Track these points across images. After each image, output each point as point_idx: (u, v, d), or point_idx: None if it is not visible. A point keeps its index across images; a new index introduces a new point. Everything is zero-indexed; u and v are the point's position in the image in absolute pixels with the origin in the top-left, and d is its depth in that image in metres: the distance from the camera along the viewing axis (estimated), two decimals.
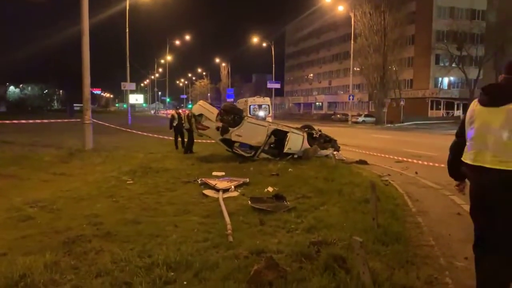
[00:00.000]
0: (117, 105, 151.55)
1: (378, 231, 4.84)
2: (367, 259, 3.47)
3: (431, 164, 11.50)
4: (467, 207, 6.60)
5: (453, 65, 52.28)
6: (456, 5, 55.17)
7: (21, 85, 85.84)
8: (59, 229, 5.13)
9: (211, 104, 13.49)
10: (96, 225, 5.31)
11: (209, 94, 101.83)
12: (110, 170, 10.09)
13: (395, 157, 13.13)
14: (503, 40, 46.07)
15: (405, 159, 12.69)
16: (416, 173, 10.27)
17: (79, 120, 16.54)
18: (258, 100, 31.42)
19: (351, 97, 47.53)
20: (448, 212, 6.52)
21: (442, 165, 11.26)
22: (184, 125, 14.50)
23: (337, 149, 12.92)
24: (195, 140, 14.46)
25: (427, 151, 15.60)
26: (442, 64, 55.18)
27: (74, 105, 69.14)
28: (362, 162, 12.07)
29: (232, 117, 12.35)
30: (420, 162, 11.95)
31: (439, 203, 7.25)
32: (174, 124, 15.42)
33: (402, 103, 45.92)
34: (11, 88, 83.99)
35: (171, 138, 17.13)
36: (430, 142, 20.33)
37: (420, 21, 55.98)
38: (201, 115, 12.14)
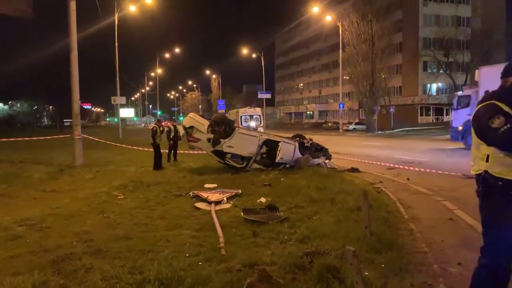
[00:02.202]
0: (108, 119, 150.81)
1: (371, 239, 4.82)
2: (361, 268, 3.44)
3: (422, 170, 11.58)
4: (459, 212, 6.67)
5: (441, 71, 53.04)
6: (442, 13, 56.16)
7: (10, 102, 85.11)
8: (48, 247, 5.04)
9: (202, 116, 13.48)
10: (86, 242, 5.23)
11: (200, 106, 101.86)
12: (101, 185, 9.99)
13: (387, 164, 13.19)
14: (488, 45, 46.90)
15: (396, 165, 12.76)
16: (408, 179, 10.30)
17: (68, 135, 16.40)
18: (249, 110, 31.48)
19: (341, 106, 47.89)
20: (440, 218, 6.54)
21: (433, 171, 11.37)
22: (157, 139, 13.89)
23: (328, 157, 12.94)
24: (184, 152, 14.22)
25: (418, 157, 15.71)
26: (430, 71, 55.91)
27: (64, 120, 68.71)
28: (354, 170, 12.10)
29: (223, 128, 12.34)
30: (411, 168, 12.02)
31: (431, 209, 7.27)
32: (171, 136, 15.27)
33: (392, 110, 46.30)
34: (0, 105, 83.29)
35: (162, 151, 17.03)
36: (420, 148, 20.47)
37: (407, 29, 56.84)
38: (192, 127, 12.12)
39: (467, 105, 19.74)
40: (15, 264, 4.49)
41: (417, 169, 11.80)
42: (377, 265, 4.17)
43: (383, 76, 47.49)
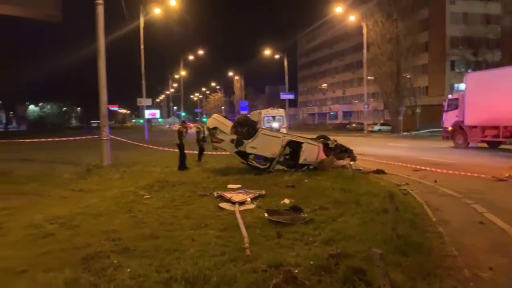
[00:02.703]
0: (133, 120, 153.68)
1: (398, 242, 4.75)
2: (388, 271, 3.39)
3: (450, 172, 11.30)
4: (489, 216, 6.48)
5: (469, 70, 51.59)
6: (470, 11, 54.64)
7: (40, 104, 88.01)
8: (78, 245, 5.19)
9: (225, 117, 13.56)
10: (114, 240, 5.34)
11: (223, 107, 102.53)
12: (128, 185, 10.18)
13: (413, 166, 12.93)
14: None
15: (423, 167, 12.49)
16: (435, 181, 10.07)
17: (96, 136, 16.79)
18: (272, 111, 31.44)
19: (366, 106, 47.17)
20: (470, 221, 6.37)
21: (462, 173, 11.07)
22: (182, 140, 14.03)
23: (353, 159, 12.79)
24: (207, 153, 14.26)
25: (446, 159, 15.34)
26: (457, 70, 54.42)
27: (92, 121, 70.41)
28: (379, 171, 11.91)
29: (246, 129, 12.37)
30: (438, 170, 11.75)
31: (460, 212, 7.09)
32: (201, 137, 15.42)
33: (417, 110, 45.34)
34: (31, 107, 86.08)
35: (187, 152, 17.25)
36: (447, 149, 19.97)
37: (433, 27, 55.58)
38: (215, 128, 12.20)
39: (456, 107, 21.38)
40: (47, 261, 4.63)
41: (444, 171, 11.52)
42: (405, 268, 4.10)
43: (408, 76, 46.58)
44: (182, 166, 13.49)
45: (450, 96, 23.70)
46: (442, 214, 6.82)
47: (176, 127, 17.52)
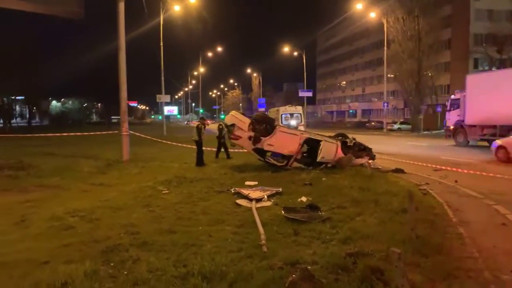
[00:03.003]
0: (152, 116, 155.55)
1: (417, 242, 4.68)
2: (406, 271, 3.35)
3: (471, 172, 11.07)
4: None
5: (493, 68, 50.29)
6: (495, 7, 53.19)
7: (62, 100, 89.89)
8: (98, 238, 5.28)
9: (243, 114, 13.58)
10: (133, 234, 5.42)
11: (240, 104, 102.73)
12: (146, 180, 10.32)
13: (433, 165, 12.71)
14: None
15: (443, 167, 12.27)
16: (456, 181, 9.88)
17: (116, 132, 17.06)
18: (290, 109, 31.37)
19: (385, 104, 46.52)
20: (492, 222, 6.22)
21: (484, 173, 10.83)
22: (193, 136, 14.29)
23: (372, 157, 12.64)
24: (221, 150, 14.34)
25: (467, 159, 15.02)
26: (481, 68, 53.15)
27: (112, 117, 71.54)
28: (399, 170, 11.74)
29: (264, 126, 12.36)
30: (459, 170, 11.52)
31: (481, 213, 6.94)
32: (222, 135, 15.52)
33: (439, 109, 44.50)
34: (54, 102, 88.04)
35: (204, 148, 17.38)
36: (469, 149, 19.55)
37: (457, 24, 54.34)
38: (233, 125, 12.23)
39: (458, 107, 22.65)
40: (68, 253, 4.74)
41: (465, 171, 11.29)
42: (423, 269, 4.04)
43: (430, 74, 45.69)
44: (200, 162, 13.58)
45: (452, 97, 24.48)
46: (462, 214, 6.69)
47: (195, 123, 17.65)
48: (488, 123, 19.75)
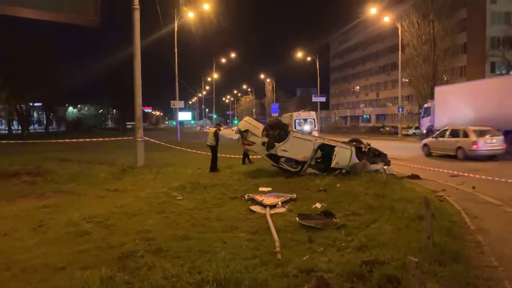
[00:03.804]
0: (166, 122, 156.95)
1: (434, 250, 4.60)
2: (424, 280, 3.29)
3: (489, 178, 10.85)
4: None
5: (511, 73, 49.41)
6: None
7: (78, 106, 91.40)
8: (113, 244, 5.33)
9: (256, 119, 13.58)
10: (148, 240, 5.46)
11: (254, 110, 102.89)
12: (161, 186, 10.39)
13: (450, 171, 12.51)
14: None
15: (460, 173, 12.06)
16: (474, 187, 9.69)
17: (131, 138, 17.24)
18: (303, 114, 31.27)
19: (400, 109, 46.06)
20: (511, 230, 6.08)
21: (503, 179, 10.60)
22: (208, 141, 14.28)
23: (387, 163, 12.48)
24: (236, 156, 14.28)
25: (484, 165, 14.74)
26: (498, 72, 52.24)
27: (127, 123, 72.37)
28: (415, 176, 11.59)
29: (277, 132, 12.35)
30: (477, 176, 11.30)
31: (501, 220, 6.79)
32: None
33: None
34: (70, 108, 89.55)
35: (218, 154, 17.44)
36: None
37: (472, 28, 53.60)
38: (247, 130, 12.25)
39: (429, 114, 26.24)
40: (84, 259, 4.79)
41: (483, 177, 11.07)
42: (441, 278, 3.97)
43: (445, 78, 45.11)
44: (214, 168, 13.63)
45: (425, 105, 28.74)
46: (481, 222, 6.56)
47: (208, 129, 17.75)
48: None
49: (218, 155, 14.30)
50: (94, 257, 4.86)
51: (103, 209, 7.61)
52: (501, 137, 16.84)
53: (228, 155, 15.79)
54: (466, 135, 16.93)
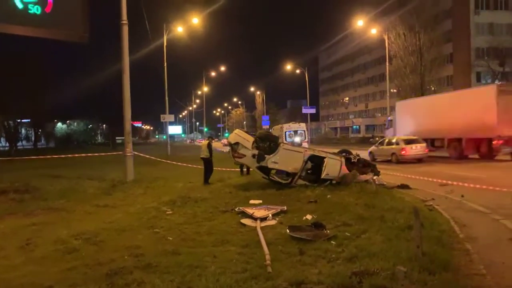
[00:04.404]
0: (157, 136, 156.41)
1: (424, 260, 4.62)
2: None
3: (478, 186, 10.96)
4: None
5: (496, 82, 50.36)
6: (496, 21, 53.64)
7: (67, 121, 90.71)
8: (102, 261, 5.26)
9: (246, 132, 13.62)
10: (137, 256, 5.40)
11: (244, 122, 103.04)
12: (151, 201, 10.32)
13: (439, 180, 12.61)
14: None
15: (449, 182, 12.16)
16: (462, 196, 9.78)
17: (121, 152, 17.14)
18: (294, 126, 31.44)
19: (389, 119, 46.56)
20: (499, 238, 6.14)
21: (491, 187, 10.71)
22: (202, 154, 14.34)
23: (377, 173, 12.57)
24: (230, 169, 14.46)
25: (473, 173, 14.90)
26: (483, 82, 53.23)
27: (117, 138, 71.93)
28: (404, 186, 11.67)
29: (267, 144, 12.38)
30: (466, 184, 11.41)
31: (489, 228, 6.85)
32: None
33: None
34: (59, 124, 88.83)
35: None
36: (475, 163, 19.41)
37: (458, 39, 54.71)
38: (237, 143, 12.26)
39: (391, 126, 29.30)
40: (72, 277, 4.72)
41: (472, 185, 11.18)
42: (431, 287, 3.98)
43: (432, 88, 45.78)
44: (207, 180, 13.77)
45: (388, 118, 31.66)
46: (469, 230, 6.61)
47: (200, 142, 17.82)
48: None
49: (216, 168, 14.38)
50: (82, 274, 4.79)
51: (92, 225, 7.52)
52: (423, 144, 21.15)
53: (219, 168, 15.75)
54: (397, 143, 21.16)
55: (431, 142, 24.33)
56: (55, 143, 78.19)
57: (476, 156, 21.69)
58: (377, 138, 57.85)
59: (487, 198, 9.48)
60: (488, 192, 10.34)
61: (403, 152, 20.34)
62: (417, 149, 20.75)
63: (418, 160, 20.53)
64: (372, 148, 23.45)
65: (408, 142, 21.03)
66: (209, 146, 14.33)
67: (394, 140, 21.83)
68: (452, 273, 4.39)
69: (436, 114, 24.10)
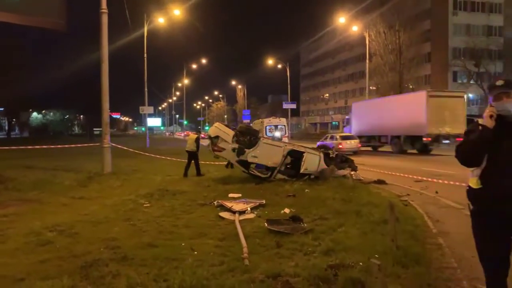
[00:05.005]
0: (135, 128, 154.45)
1: (398, 253, 4.72)
2: (387, 283, 3.38)
3: (451, 183, 11.25)
4: None
5: (471, 81, 51.67)
6: (472, 22, 54.93)
7: (43, 111, 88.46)
8: (77, 253, 5.17)
9: (227, 125, 13.60)
10: (113, 248, 5.33)
11: (225, 116, 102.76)
12: (128, 193, 10.18)
13: (414, 176, 12.90)
14: None
15: (424, 178, 12.46)
16: (436, 192, 10.04)
17: (98, 144, 16.84)
18: (274, 120, 31.55)
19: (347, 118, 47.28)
20: (470, 233, 6.25)
21: (463, 184, 10.98)
22: (188, 147, 14.64)
23: (354, 169, 12.77)
24: (209, 162, 14.54)
25: (447, 170, 15.28)
26: (460, 81, 54.56)
27: (94, 129, 70.69)
28: (381, 182, 11.89)
29: (248, 138, 12.39)
30: (440, 181, 11.71)
31: (461, 223, 7.02)
32: None
33: None
34: (34, 114, 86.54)
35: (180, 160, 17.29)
36: (449, 160, 19.87)
37: (436, 39, 55.81)
38: (217, 136, 12.23)
39: (348, 123, 33.08)
40: (45, 269, 4.61)
41: (446, 182, 11.48)
42: (404, 280, 4.08)
43: (411, 86, 46.68)
44: (198, 172, 14.08)
45: (346, 117, 35.67)
46: (442, 225, 6.79)
47: (188, 134, 17.81)
48: (361, 134, 29.05)
49: (180, 161, 14.46)
50: (56, 267, 4.69)
51: (67, 217, 7.38)
52: (357, 140, 25.95)
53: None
54: (336, 139, 25.40)
55: (378, 139, 28.91)
56: (30, 133, 76.21)
57: (414, 151, 25.23)
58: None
59: (460, 194, 9.65)
60: (461, 188, 10.54)
61: (340, 146, 23.78)
62: (351, 144, 25.08)
63: (354, 153, 23.77)
64: (319, 143, 26.20)
65: (344, 138, 25.84)
66: (197, 140, 14.51)
67: (335, 136, 26.31)
68: (425, 267, 4.50)
69: (382, 114, 27.98)
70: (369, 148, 29.86)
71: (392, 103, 28.83)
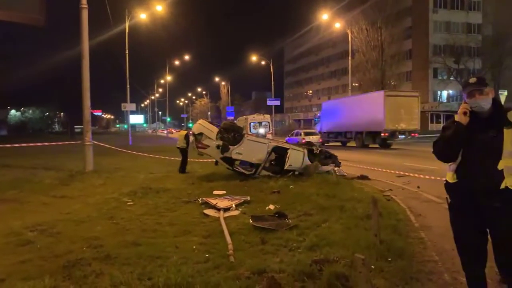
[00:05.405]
0: (117, 126, 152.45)
1: (381, 248, 4.79)
2: (370, 277, 3.42)
3: (433, 178, 11.45)
4: None
5: (451, 78, 52.66)
6: (452, 20, 55.95)
7: (22, 109, 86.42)
8: (59, 252, 5.08)
9: (211, 122, 13.55)
10: (96, 247, 5.25)
11: (209, 113, 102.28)
12: (111, 191, 10.06)
13: (397, 172, 13.09)
14: (499, 53, 46.55)
15: (406, 173, 12.65)
16: (418, 187, 10.21)
17: (79, 142, 16.56)
18: (258, 117, 31.60)
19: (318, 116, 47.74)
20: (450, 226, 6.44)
21: (444, 179, 11.20)
22: (179, 144, 14.84)
23: (338, 165, 12.87)
24: (194, 160, 14.56)
25: (429, 165, 15.54)
26: (440, 78, 55.57)
27: (75, 127, 69.49)
28: (364, 177, 12.02)
29: (232, 135, 12.37)
30: (421, 176, 11.90)
31: (442, 217, 7.14)
32: None
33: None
34: (12, 111, 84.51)
35: (171, 158, 17.17)
36: (431, 156, 20.20)
37: (417, 36, 56.65)
38: (201, 134, 12.16)
39: (319, 120, 36.77)
40: (26, 269, 4.52)
41: (427, 177, 11.67)
42: (387, 274, 4.14)
43: (392, 83, 47.29)
44: (183, 169, 14.09)
45: (317, 114, 39.80)
46: (424, 219, 6.91)
47: (178, 131, 17.82)
48: (330, 131, 33.42)
49: (179, 158, 14.57)
50: (38, 267, 4.60)
51: (48, 216, 7.24)
52: (318, 136, 29.58)
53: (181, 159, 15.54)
54: (301, 134, 28.51)
55: (344, 135, 31.78)
56: (8, 131, 74.42)
57: (376, 145, 27.74)
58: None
59: (441, 189, 9.83)
60: (442, 183, 10.61)
61: (303, 141, 25.49)
62: (313, 139, 27.28)
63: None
64: (287, 138, 29.16)
65: (307, 134, 29.10)
66: (186, 137, 14.65)
67: (300, 132, 29.51)
68: (407, 260, 4.57)
69: (347, 112, 31.18)
70: (339, 144, 32.92)
71: (356, 102, 31.74)
